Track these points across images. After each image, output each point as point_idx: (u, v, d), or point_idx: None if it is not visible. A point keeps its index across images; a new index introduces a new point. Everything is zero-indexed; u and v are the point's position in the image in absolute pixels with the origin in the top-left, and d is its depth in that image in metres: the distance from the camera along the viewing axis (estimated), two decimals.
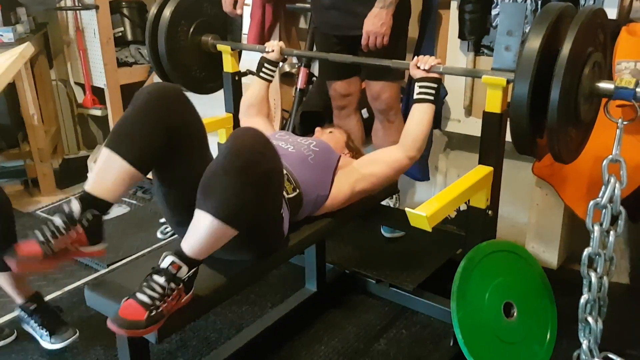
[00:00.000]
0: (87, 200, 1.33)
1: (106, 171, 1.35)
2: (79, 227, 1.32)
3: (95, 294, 1.47)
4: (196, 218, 1.29)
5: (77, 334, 2.03)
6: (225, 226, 1.28)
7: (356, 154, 2.06)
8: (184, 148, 1.42)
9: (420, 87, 1.76)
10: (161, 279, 1.27)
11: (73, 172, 3.65)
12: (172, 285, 1.28)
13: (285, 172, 1.63)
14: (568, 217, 2.40)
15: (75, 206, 1.32)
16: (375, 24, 1.96)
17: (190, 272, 1.31)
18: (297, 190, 1.65)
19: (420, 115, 1.76)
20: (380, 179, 1.82)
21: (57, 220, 1.30)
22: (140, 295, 1.25)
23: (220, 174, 1.27)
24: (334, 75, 2.33)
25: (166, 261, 1.29)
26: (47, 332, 2.02)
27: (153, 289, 1.26)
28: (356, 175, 1.80)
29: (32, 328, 2.04)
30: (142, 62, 3.70)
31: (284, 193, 1.60)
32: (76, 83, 3.85)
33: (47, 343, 2.01)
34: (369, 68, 2.15)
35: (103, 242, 1.40)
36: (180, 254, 1.29)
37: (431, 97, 1.76)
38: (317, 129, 2.12)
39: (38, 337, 2.04)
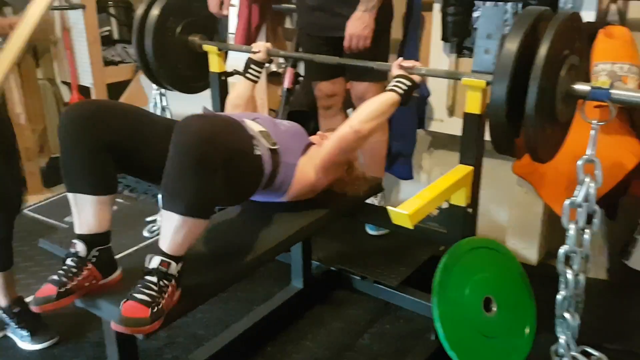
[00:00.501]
0: (88, 241, 1.41)
1: (81, 211, 1.43)
2: (89, 265, 1.40)
3: None
4: (165, 219, 1.34)
5: (57, 337, 2.06)
6: (195, 219, 1.34)
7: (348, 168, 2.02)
8: (131, 148, 1.48)
9: (395, 81, 1.79)
10: (154, 278, 1.31)
11: (60, 171, 3.64)
12: (166, 282, 1.32)
13: (264, 129, 1.73)
14: (547, 214, 2.46)
15: (80, 247, 1.40)
16: (358, 27, 2.00)
17: (179, 266, 1.36)
18: (277, 146, 1.71)
19: (381, 97, 1.77)
20: (329, 157, 1.77)
21: (69, 262, 1.38)
22: (139, 295, 1.29)
23: (175, 174, 1.32)
24: (319, 76, 2.36)
25: (154, 261, 1.33)
26: (28, 333, 2.04)
27: (150, 288, 1.30)
28: (317, 153, 1.80)
29: (12, 330, 2.06)
30: (129, 61, 3.71)
31: (268, 144, 1.68)
32: (63, 82, 3.85)
33: (27, 344, 2.03)
34: (353, 69, 2.19)
35: (117, 269, 1.47)
36: (163, 254, 1.34)
37: (400, 90, 1.77)
38: (319, 133, 2.13)
39: (17, 339, 2.06)
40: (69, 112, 1.45)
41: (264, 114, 2.01)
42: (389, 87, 1.79)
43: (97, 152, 1.42)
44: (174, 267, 1.34)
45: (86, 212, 1.43)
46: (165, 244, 1.34)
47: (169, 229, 1.34)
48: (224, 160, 1.38)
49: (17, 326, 2.04)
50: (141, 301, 1.28)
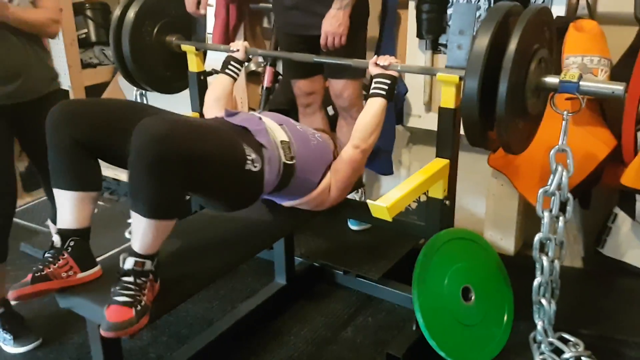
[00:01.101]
0: (64, 234, 1.47)
1: (63, 206, 1.48)
2: (65, 254, 1.43)
3: (67, 294, 1.48)
4: (134, 220, 1.37)
5: (40, 340, 2.06)
6: (160, 221, 1.36)
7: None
8: (110, 142, 1.50)
9: (375, 82, 1.82)
10: (131, 278, 1.34)
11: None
12: (143, 278, 1.35)
13: (287, 139, 1.70)
14: (523, 205, 2.51)
15: (56, 239, 1.46)
16: (333, 25, 2.02)
17: (155, 262, 1.39)
18: (293, 161, 1.68)
19: (369, 108, 1.81)
20: (345, 180, 1.83)
21: (47, 254, 1.44)
22: (119, 298, 1.31)
23: (135, 177, 1.34)
24: (297, 74, 2.38)
25: (129, 262, 1.36)
26: (11, 337, 2.04)
27: (128, 289, 1.33)
28: (331, 181, 1.83)
29: None
30: (107, 63, 3.69)
31: (283, 158, 1.65)
32: None
33: (10, 347, 2.03)
34: (331, 67, 2.21)
35: (96, 266, 1.50)
36: (136, 254, 1.37)
37: (383, 92, 1.81)
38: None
39: (0, 342, 2.05)
40: (51, 112, 1.49)
41: (303, 127, 1.91)
42: (373, 92, 1.82)
43: (74, 149, 1.46)
44: (148, 264, 1.37)
45: (65, 208, 1.48)
46: (136, 245, 1.37)
47: (138, 230, 1.36)
48: (183, 162, 1.34)
49: (0, 329, 2.04)
50: (123, 303, 1.30)
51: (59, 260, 1.42)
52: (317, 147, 1.81)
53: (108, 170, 3.15)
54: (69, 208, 1.47)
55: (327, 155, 1.84)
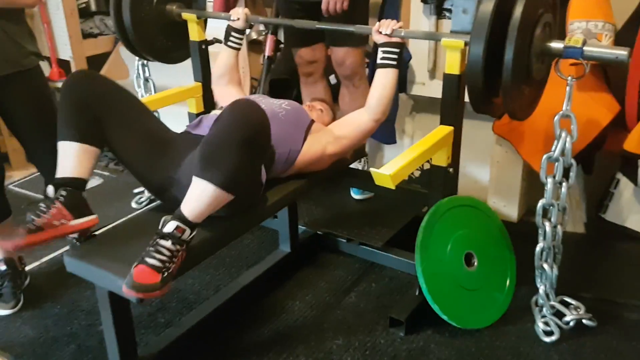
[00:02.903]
0: (59, 183, 1.50)
1: (64, 157, 1.53)
2: (57, 203, 1.45)
3: (75, 260, 1.51)
4: (197, 186, 1.38)
5: (18, 307, 2.09)
6: (227, 193, 1.39)
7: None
8: (111, 116, 1.57)
9: (383, 52, 1.82)
10: (168, 243, 1.35)
11: None
12: (178, 247, 1.37)
13: None
14: (527, 172, 2.52)
15: (50, 189, 1.49)
16: None
17: (193, 233, 1.40)
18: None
19: (383, 79, 1.82)
20: (349, 140, 1.88)
21: (39, 204, 1.46)
22: (150, 260, 1.32)
23: (220, 145, 1.35)
24: (298, 43, 2.36)
25: (170, 226, 1.37)
26: None
27: (162, 253, 1.34)
28: (327, 138, 1.86)
29: None
30: (107, 33, 3.66)
31: None
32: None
33: None
34: (332, 34, 2.19)
35: (93, 214, 1.53)
36: (182, 218, 1.38)
37: (394, 62, 1.81)
38: (307, 103, 2.16)
39: None
40: (74, 72, 1.62)
41: (262, 96, 2.00)
42: (383, 62, 1.82)
43: (82, 108, 1.53)
44: (187, 234, 1.39)
45: (68, 158, 1.52)
46: (188, 209, 1.38)
47: (197, 196, 1.38)
48: (266, 150, 1.47)
49: None
50: (152, 266, 1.32)
51: (51, 209, 1.44)
52: (287, 117, 1.82)
53: None
54: (71, 157, 1.51)
55: (302, 120, 1.86)
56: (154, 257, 1.33)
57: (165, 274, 1.33)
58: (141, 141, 1.62)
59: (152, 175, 1.62)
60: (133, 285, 1.30)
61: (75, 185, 1.50)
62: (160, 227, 1.39)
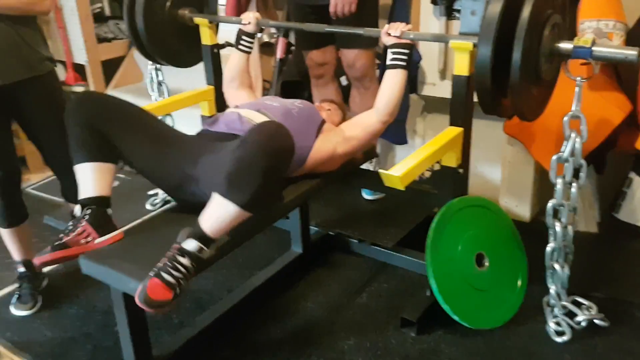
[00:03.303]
0: (84, 204, 1.56)
1: (83, 179, 1.58)
2: (83, 222, 1.51)
3: (91, 262, 1.53)
4: (220, 205, 1.38)
5: (37, 307, 2.15)
6: (247, 214, 1.40)
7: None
8: (117, 129, 1.60)
9: (393, 53, 1.83)
10: (186, 260, 1.37)
11: None
12: (195, 264, 1.39)
13: (269, 120, 1.72)
14: (538, 172, 2.51)
15: (77, 209, 1.56)
16: None
17: (212, 252, 1.42)
18: None
19: (391, 81, 1.83)
20: (358, 141, 1.89)
21: (68, 224, 1.53)
22: (167, 276, 1.34)
23: (251, 171, 1.34)
24: (309, 45, 2.38)
25: (191, 244, 1.39)
26: (17, 297, 2.17)
27: (178, 270, 1.36)
28: (337, 138, 1.87)
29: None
30: (122, 37, 3.71)
31: None
32: (57, 61, 3.85)
33: (13, 308, 2.14)
34: (342, 37, 2.21)
35: (117, 230, 1.58)
36: (202, 236, 1.39)
37: (403, 63, 1.82)
38: (316, 104, 2.18)
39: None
40: (75, 95, 1.65)
41: (275, 97, 2.01)
42: (392, 63, 1.82)
43: (89, 129, 1.57)
44: (206, 252, 1.41)
45: (87, 179, 1.57)
46: (208, 225, 1.40)
47: (219, 214, 1.39)
48: (286, 169, 1.47)
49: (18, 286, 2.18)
50: (167, 283, 1.33)
51: (77, 228, 1.50)
52: (300, 114, 1.84)
53: None
54: (89, 178, 1.56)
55: (314, 118, 1.87)
56: (171, 274, 1.34)
57: (178, 290, 1.35)
58: (152, 144, 1.64)
59: (167, 173, 1.65)
60: (145, 299, 1.31)
61: (98, 203, 1.55)
62: (179, 241, 1.40)
